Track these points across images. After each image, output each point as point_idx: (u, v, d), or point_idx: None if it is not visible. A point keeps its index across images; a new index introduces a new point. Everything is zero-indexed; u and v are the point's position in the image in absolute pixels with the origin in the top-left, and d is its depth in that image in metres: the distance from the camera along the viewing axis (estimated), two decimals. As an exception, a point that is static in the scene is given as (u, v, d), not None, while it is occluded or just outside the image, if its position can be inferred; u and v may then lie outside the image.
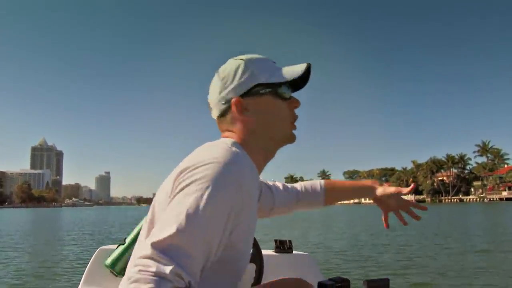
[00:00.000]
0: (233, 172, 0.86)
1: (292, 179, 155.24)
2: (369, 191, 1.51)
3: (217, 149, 0.91)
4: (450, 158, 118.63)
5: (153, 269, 0.75)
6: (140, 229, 2.04)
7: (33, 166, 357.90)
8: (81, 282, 2.03)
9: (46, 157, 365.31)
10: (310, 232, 18.16)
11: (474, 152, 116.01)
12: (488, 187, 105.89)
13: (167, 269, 0.75)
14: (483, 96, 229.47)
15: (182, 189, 0.85)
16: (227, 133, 1.06)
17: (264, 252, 1.86)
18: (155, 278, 0.74)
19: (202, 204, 0.81)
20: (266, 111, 1.04)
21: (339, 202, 1.58)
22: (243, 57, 1.07)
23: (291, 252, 2.15)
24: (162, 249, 0.77)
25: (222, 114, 1.05)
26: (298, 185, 1.55)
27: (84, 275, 2.02)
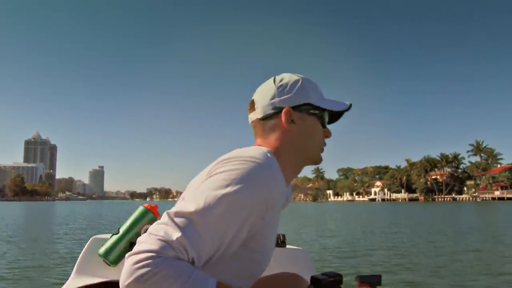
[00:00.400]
0: (266, 175, 0.91)
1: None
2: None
3: (255, 151, 0.97)
4: (444, 157, 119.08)
5: (161, 234, 0.79)
6: (135, 218, 2.05)
7: (26, 159, 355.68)
8: (73, 271, 2.03)
9: (40, 150, 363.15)
10: (304, 227, 18.17)
11: (468, 151, 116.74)
12: (481, 186, 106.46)
13: (174, 236, 0.78)
14: (478, 96, 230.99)
15: (214, 175, 0.90)
16: (259, 141, 1.11)
17: None
18: (160, 242, 0.77)
19: (225, 193, 0.85)
20: (308, 129, 1.10)
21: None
22: (301, 75, 1.14)
23: (285, 246, 2.16)
24: (175, 219, 0.82)
25: (265, 118, 1.10)
26: None
27: (76, 264, 2.01)
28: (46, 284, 6.70)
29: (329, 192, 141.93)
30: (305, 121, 1.09)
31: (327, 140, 1.16)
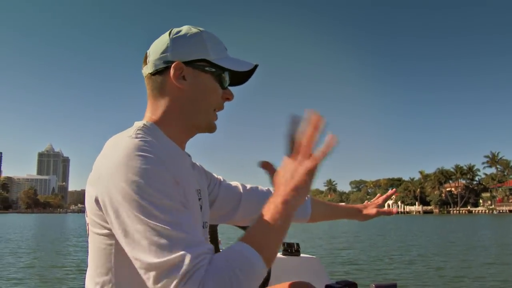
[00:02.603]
0: (147, 158, 0.83)
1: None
2: (356, 213, 1.54)
3: (119, 148, 0.86)
4: (458, 168, 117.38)
5: (178, 274, 0.72)
6: None
7: (39, 171, 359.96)
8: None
9: (53, 163, 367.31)
10: (318, 235, 17.93)
11: (483, 163, 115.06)
12: (497, 198, 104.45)
13: (186, 261, 0.72)
14: (492, 106, 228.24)
15: (113, 188, 0.81)
16: (150, 107, 1.03)
17: None
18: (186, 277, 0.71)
19: (140, 183, 0.79)
20: (201, 88, 1.00)
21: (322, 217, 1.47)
22: (202, 28, 1.04)
23: (299, 255, 2.19)
24: (151, 236, 0.75)
25: (156, 73, 1.01)
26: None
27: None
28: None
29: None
30: (198, 79, 1.00)
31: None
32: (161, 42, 1.02)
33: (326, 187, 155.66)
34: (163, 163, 0.84)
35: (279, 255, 2.11)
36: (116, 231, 0.81)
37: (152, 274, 0.74)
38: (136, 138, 0.87)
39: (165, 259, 0.73)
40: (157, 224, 0.76)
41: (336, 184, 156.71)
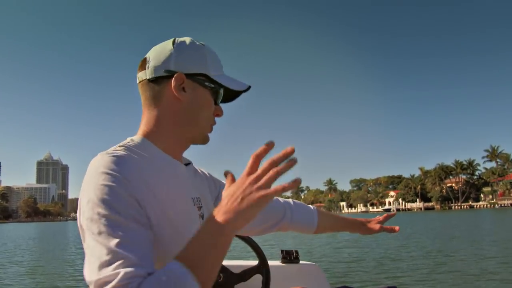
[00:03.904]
0: (107, 175, 0.84)
1: (298, 188, 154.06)
2: (359, 227, 1.52)
3: (90, 166, 0.88)
4: (458, 164, 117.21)
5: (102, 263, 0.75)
6: None
7: (39, 180, 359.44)
8: None
9: (52, 171, 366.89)
10: (316, 241, 17.67)
11: (483, 157, 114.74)
12: (498, 192, 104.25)
13: (117, 279, 0.72)
14: (491, 101, 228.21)
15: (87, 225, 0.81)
16: (145, 118, 1.02)
17: (270, 263, 1.94)
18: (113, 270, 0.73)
19: (101, 205, 0.80)
20: (198, 101, 1.01)
21: (346, 211, 1.45)
22: (204, 43, 1.05)
23: (298, 262, 2.18)
24: (97, 246, 0.77)
25: (154, 80, 0.99)
26: (291, 201, 1.42)
27: None
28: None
29: (343, 204, 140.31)
30: (197, 93, 1.00)
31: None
32: (164, 49, 1.01)
33: (327, 187, 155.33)
34: (123, 180, 0.83)
35: (279, 263, 2.10)
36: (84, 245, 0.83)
37: None
38: (109, 154, 0.88)
39: (100, 276, 0.73)
40: (104, 241, 0.76)
41: (336, 183, 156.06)
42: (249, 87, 1.06)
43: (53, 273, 10.81)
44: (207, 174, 1.21)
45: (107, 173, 0.83)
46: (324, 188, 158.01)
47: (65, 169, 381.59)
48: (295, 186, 0.76)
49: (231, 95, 1.09)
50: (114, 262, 0.74)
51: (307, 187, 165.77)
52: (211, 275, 0.78)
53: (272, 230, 1.36)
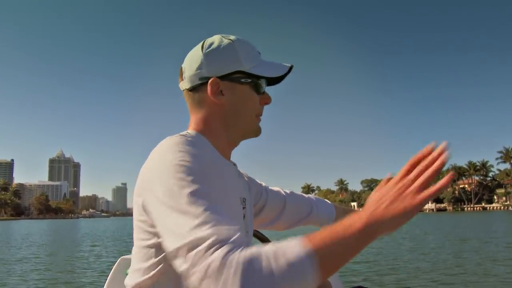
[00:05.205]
0: (187, 153, 0.82)
1: (309, 188, 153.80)
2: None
3: (161, 147, 0.87)
4: (471, 165, 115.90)
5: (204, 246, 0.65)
6: None
7: (51, 178, 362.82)
8: None
9: (64, 168, 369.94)
10: None
11: (496, 158, 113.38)
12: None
13: (220, 232, 0.67)
14: (505, 101, 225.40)
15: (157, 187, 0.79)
16: (193, 120, 1.02)
17: None
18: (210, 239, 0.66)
19: (181, 177, 0.77)
20: (240, 100, 1.00)
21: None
22: (233, 37, 1.02)
23: None
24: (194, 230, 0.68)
25: (193, 89, 1.00)
26: (312, 196, 1.41)
27: (105, 284, 2.03)
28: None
29: (354, 204, 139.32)
30: (236, 92, 0.99)
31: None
32: (195, 57, 1.00)
33: (338, 187, 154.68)
34: (200, 158, 0.83)
35: None
36: (157, 223, 0.79)
37: (184, 253, 0.67)
38: (181, 136, 0.89)
39: (196, 235, 0.67)
40: (193, 209, 0.71)
41: (347, 183, 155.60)
42: (291, 67, 1.02)
43: (67, 271, 10.86)
44: (246, 176, 1.19)
45: (184, 151, 0.82)
46: (335, 188, 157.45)
47: (76, 166, 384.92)
48: (450, 180, 0.71)
49: (275, 78, 1.04)
50: (209, 222, 0.69)
51: (318, 187, 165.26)
52: (330, 274, 0.70)
53: (298, 225, 1.33)
